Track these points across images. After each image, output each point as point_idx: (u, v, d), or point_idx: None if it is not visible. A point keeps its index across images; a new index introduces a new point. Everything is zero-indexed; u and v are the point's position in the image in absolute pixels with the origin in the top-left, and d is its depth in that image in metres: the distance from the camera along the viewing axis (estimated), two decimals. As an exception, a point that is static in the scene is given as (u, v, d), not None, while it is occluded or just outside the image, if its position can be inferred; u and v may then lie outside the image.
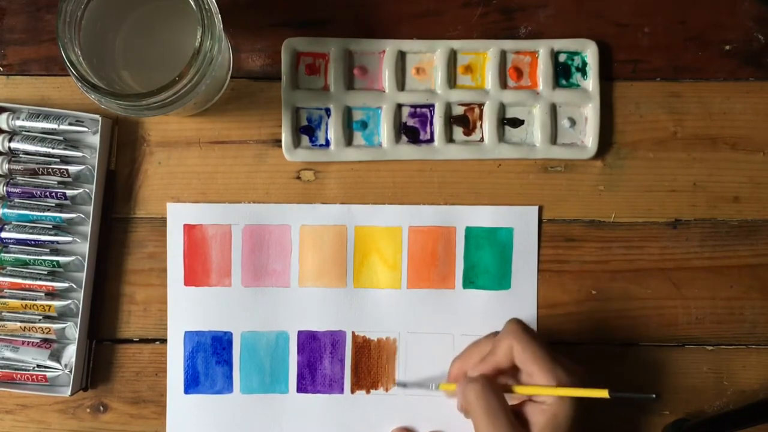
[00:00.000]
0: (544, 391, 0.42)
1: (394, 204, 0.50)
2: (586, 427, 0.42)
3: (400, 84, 0.50)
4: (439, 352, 0.49)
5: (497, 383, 0.43)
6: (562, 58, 0.50)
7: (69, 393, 0.47)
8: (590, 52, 0.49)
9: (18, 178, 0.48)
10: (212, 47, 0.41)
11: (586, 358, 0.50)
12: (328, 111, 0.49)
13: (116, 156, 0.49)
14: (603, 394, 0.40)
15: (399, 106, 0.49)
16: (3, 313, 0.48)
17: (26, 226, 0.48)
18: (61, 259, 0.48)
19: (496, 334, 0.45)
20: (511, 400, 0.44)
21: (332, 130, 0.49)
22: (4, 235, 0.48)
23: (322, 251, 0.50)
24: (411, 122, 0.50)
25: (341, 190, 0.50)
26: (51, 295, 0.48)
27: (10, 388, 0.48)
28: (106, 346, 0.50)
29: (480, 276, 0.50)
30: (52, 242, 0.48)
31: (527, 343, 0.42)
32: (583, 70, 0.50)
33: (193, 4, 0.41)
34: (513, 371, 0.43)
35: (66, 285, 0.48)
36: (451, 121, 0.50)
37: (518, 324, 0.43)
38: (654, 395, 0.40)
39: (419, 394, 0.49)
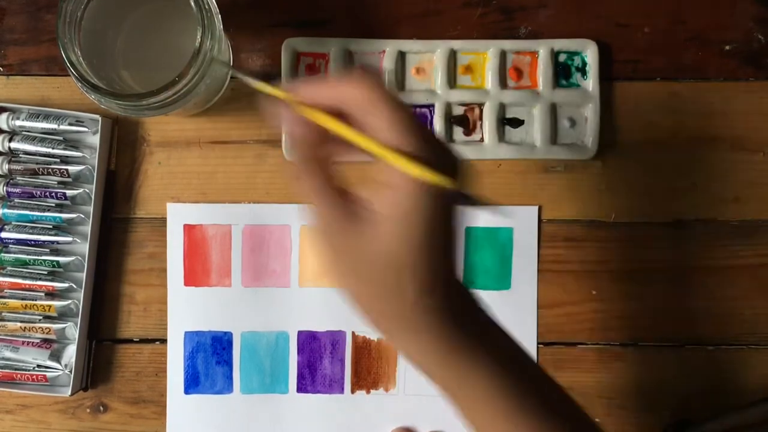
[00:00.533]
0: (382, 151, 0.30)
1: (394, 204, 0.50)
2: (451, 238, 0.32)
3: (400, 84, 0.49)
4: None
5: (324, 144, 0.32)
6: (562, 58, 0.50)
7: (69, 393, 0.47)
8: (590, 52, 0.49)
9: (18, 178, 0.48)
10: (212, 47, 0.41)
11: (586, 358, 0.50)
12: (328, 111, 0.49)
13: (116, 156, 0.49)
14: (446, 182, 0.29)
15: (399, 106, 0.49)
16: (3, 313, 0.48)
17: (26, 226, 0.48)
18: (61, 259, 0.48)
19: None
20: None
21: (332, 130, 0.49)
22: (4, 235, 0.48)
23: (322, 251, 0.49)
24: (411, 122, 0.50)
25: (341, 190, 0.50)
26: (51, 295, 0.48)
27: (10, 388, 0.48)
28: (106, 346, 0.50)
29: (480, 276, 0.50)
30: (52, 242, 0.48)
31: (386, 96, 0.30)
32: (583, 70, 0.50)
33: (193, 4, 0.41)
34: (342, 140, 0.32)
35: (66, 285, 0.48)
36: (451, 121, 0.50)
37: (378, 75, 0.31)
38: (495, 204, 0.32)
39: (422, 394, 0.49)
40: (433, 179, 0.29)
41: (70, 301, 0.48)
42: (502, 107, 0.50)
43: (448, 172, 0.30)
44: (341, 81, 0.31)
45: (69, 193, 0.48)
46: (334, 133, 0.31)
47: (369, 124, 0.31)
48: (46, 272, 0.48)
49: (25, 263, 0.48)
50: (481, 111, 0.50)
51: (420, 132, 0.30)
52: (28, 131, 0.48)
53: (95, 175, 0.48)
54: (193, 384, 0.49)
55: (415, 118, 0.31)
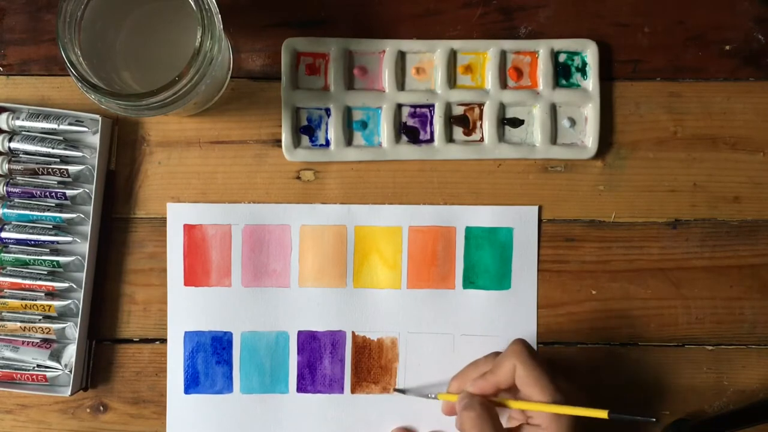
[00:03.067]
0: (539, 407, 0.42)
1: (394, 204, 0.50)
2: None
3: (400, 84, 0.50)
4: (440, 352, 0.49)
5: (493, 407, 0.43)
6: (562, 58, 0.50)
7: (69, 393, 0.47)
8: (590, 52, 0.49)
9: (18, 178, 0.48)
10: (212, 47, 0.41)
11: (586, 358, 0.50)
12: (328, 111, 0.49)
13: (116, 156, 0.49)
14: (602, 414, 0.40)
15: (399, 106, 0.49)
16: (3, 313, 0.48)
17: (26, 226, 0.48)
18: (61, 259, 0.48)
19: (496, 354, 0.45)
20: (510, 422, 0.44)
21: (332, 130, 0.49)
22: (4, 235, 0.48)
23: (322, 251, 0.50)
24: (411, 122, 0.50)
25: (341, 190, 0.50)
26: (51, 295, 0.48)
27: (10, 388, 0.48)
28: (106, 346, 0.50)
29: (480, 276, 0.50)
30: (52, 242, 0.48)
31: (531, 366, 0.42)
32: (583, 70, 0.50)
33: (193, 4, 0.41)
34: (512, 390, 0.43)
35: (66, 285, 0.48)
36: (451, 121, 0.50)
37: (523, 345, 0.43)
38: (654, 419, 0.40)
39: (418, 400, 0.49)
40: (589, 414, 0.40)
41: (70, 301, 0.48)
42: (502, 107, 0.50)
43: (585, 405, 0.41)
44: (495, 372, 0.43)
45: (69, 193, 0.48)
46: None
47: (526, 394, 0.42)
48: (46, 272, 0.48)
49: (25, 263, 0.48)
50: (481, 111, 0.50)
51: (562, 388, 0.42)
52: (28, 131, 0.48)
53: (95, 175, 0.48)
54: (193, 384, 0.49)
55: (553, 375, 0.42)
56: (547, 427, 0.41)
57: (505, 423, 0.44)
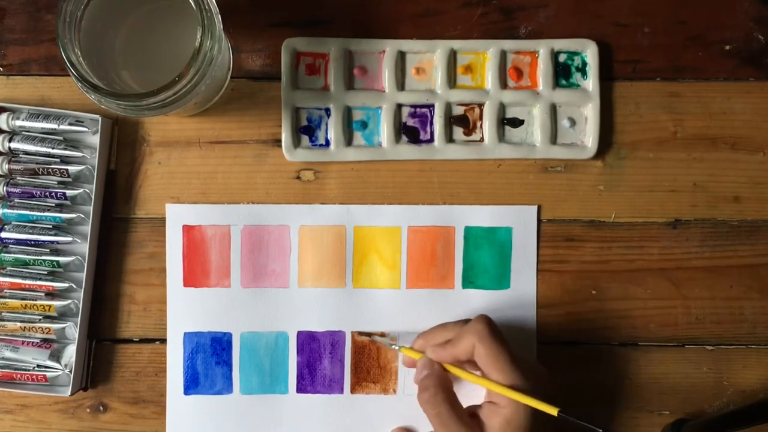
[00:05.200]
0: (492, 387, 0.42)
1: (394, 204, 0.50)
2: None
3: (400, 84, 0.50)
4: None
5: (449, 382, 0.44)
6: (562, 58, 0.50)
7: (69, 393, 0.47)
8: (590, 52, 0.49)
9: (18, 178, 0.48)
10: (212, 47, 0.41)
11: (586, 358, 0.50)
12: (328, 111, 0.49)
13: (116, 156, 0.49)
14: (552, 411, 0.40)
15: (399, 106, 0.49)
16: (3, 313, 0.48)
17: (26, 226, 0.48)
18: (61, 259, 0.48)
19: (467, 321, 0.44)
20: (472, 398, 0.44)
21: (332, 130, 0.49)
22: (4, 235, 0.48)
23: (321, 251, 0.50)
24: (411, 122, 0.50)
25: (341, 190, 0.50)
26: (51, 295, 0.48)
27: (10, 388, 0.48)
28: (106, 346, 0.50)
29: (479, 276, 0.50)
30: (52, 242, 0.48)
31: (490, 346, 0.42)
32: (583, 70, 0.50)
33: (193, 4, 0.41)
34: (473, 362, 0.43)
35: (66, 285, 0.48)
36: (451, 121, 0.50)
37: (486, 324, 0.43)
38: (601, 430, 0.39)
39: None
40: (538, 406, 0.40)
41: (70, 301, 0.48)
42: (502, 107, 0.50)
43: (543, 393, 0.41)
44: (455, 345, 0.43)
45: (69, 193, 0.48)
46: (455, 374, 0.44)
47: (485, 372, 0.42)
48: (46, 272, 0.48)
49: (25, 263, 0.48)
50: (481, 111, 0.50)
51: (522, 370, 0.41)
52: (28, 131, 0.48)
53: (95, 175, 0.48)
54: (192, 385, 0.49)
55: (515, 357, 0.42)
56: (505, 406, 0.41)
57: (470, 396, 0.44)
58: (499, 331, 0.43)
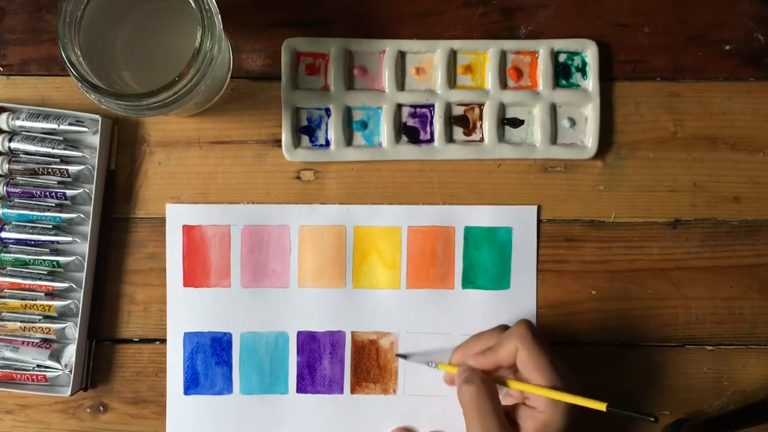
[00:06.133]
0: (537, 391, 0.42)
1: (394, 204, 0.50)
2: None
3: (400, 84, 0.50)
4: (439, 352, 0.49)
5: (492, 383, 0.44)
6: (562, 58, 0.50)
7: (69, 393, 0.48)
8: (590, 52, 0.49)
9: (18, 178, 0.48)
10: (212, 47, 0.41)
11: (586, 358, 0.50)
12: (328, 111, 0.49)
13: (116, 156, 0.49)
14: (600, 406, 0.40)
15: (399, 106, 0.49)
16: (3, 313, 0.48)
17: (26, 226, 0.48)
18: (61, 259, 0.48)
19: (504, 328, 0.45)
20: (506, 399, 0.44)
21: (332, 130, 0.49)
22: (4, 235, 0.48)
23: (321, 251, 0.50)
24: (411, 122, 0.50)
25: (341, 190, 0.50)
26: (51, 295, 0.48)
27: (10, 388, 0.48)
28: (106, 346, 0.50)
29: (479, 276, 0.50)
30: (52, 242, 0.48)
31: (533, 350, 0.42)
32: (583, 70, 0.50)
33: (193, 4, 0.41)
34: (513, 368, 0.44)
35: (66, 285, 0.48)
36: (451, 121, 0.50)
37: (528, 328, 0.43)
38: (653, 418, 0.40)
39: (422, 394, 0.49)
40: (588, 404, 0.41)
41: (70, 301, 0.48)
42: (502, 107, 0.50)
43: (581, 395, 0.41)
44: (497, 350, 0.43)
45: (69, 193, 0.48)
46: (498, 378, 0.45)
47: (526, 376, 0.43)
48: (46, 272, 0.48)
49: (25, 263, 0.48)
50: (481, 111, 0.50)
51: (562, 374, 0.42)
52: (28, 131, 0.48)
53: (95, 175, 0.48)
54: (192, 385, 0.49)
55: (555, 361, 0.42)
56: (544, 410, 0.41)
57: (503, 399, 0.45)
58: (540, 335, 0.43)
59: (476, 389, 0.43)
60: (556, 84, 0.50)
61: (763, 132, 0.50)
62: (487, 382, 0.43)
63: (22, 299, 0.48)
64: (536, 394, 0.42)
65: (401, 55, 0.49)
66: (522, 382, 0.43)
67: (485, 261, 0.50)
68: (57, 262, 0.48)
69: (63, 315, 0.48)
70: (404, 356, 0.49)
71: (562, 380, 0.42)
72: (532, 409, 0.42)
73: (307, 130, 0.49)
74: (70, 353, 0.48)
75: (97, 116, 0.48)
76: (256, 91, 0.50)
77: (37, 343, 0.48)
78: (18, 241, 0.48)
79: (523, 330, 0.43)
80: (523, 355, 0.42)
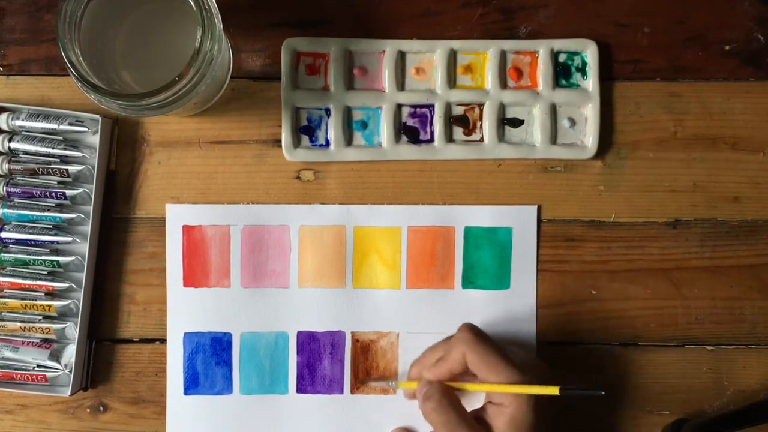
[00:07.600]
0: (491, 388, 0.42)
1: (394, 204, 0.50)
2: (552, 429, 0.43)
3: (400, 84, 0.50)
4: None
5: (452, 392, 0.44)
6: (562, 58, 0.50)
7: (69, 393, 0.48)
8: (590, 52, 0.49)
9: (18, 178, 0.48)
10: (212, 47, 0.41)
11: (586, 358, 0.50)
12: (328, 111, 0.49)
13: (116, 156, 0.49)
14: (553, 390, 0.40)
15: (399, 106, 0.49)
16: (3, 313, 0.48)
17: (26, 226, 0.48)
18: (61, 259, 0.48)
19: (450, 338, 0.45)
20: (473, 403, 0.44)
21: (332, 130, 0.49)
22: (4, 235, 0.48)
23: (321, 252, 0.50)
24: (411, 122, 0.50)
25: (341, 190, 0.50)
26: (51, 295, 0.48)
27: (10, 388, 0.48)
28: (106, 346, 0.50)
29: (479, 276, 0.50)
30: (52, 242, 0.48)
31: (479, 351, 0.42)
32: (583, 70, 0.50)
33: (193, 4, 0.41)
34: (470, 372, 0.44)
35: (66, 285, 0.48)
36: (451, 121, 0.50)
37: (469, 331, 0.43)
38: (602, 392, 0.40)
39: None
40: (540, 392, 0.40)
41: (70, 301, 0.48)
42: (502, 107, 0.50)
43: (546, 381, 0.41)
44: (447, 359, 0.44)
45: (69, 193, 0.48)
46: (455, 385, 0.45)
47: (482, 378, 0.43)
48: (46, 272, 0.48)
49: (25, 263, 0.48)
50: (481, 111, 0.50)
51: (516, 366, 0.42)
52: (28, 131, 0.48)
53: (95, 175, 0.48)
54: (192, 385, 0.49)
55: (507, 356, 0.43)
56: (509, 405, 0.42)
57: (470, 403, 0.44)
58: (485, 335, 0.43)
59: (437, 404, 0.43)
60: (556, 84, 0.50)
61: (763, 132, 0.50)
62: (447, 392, 0.43)
63: (22, 299, 0.48)
64: (499, 395, 0.42)
65: (401, 55, 0.49)
66: (479, 383, 0.43)
67: (485, 261, 0.50)
68: (57, 262, 0.48)
69: (63, 315, 0.48)
70: (365, 382, 0.49)
71: (516, 374, 0.42)
72: (499, 406, 0.42)
73: (307, 130, 0.49)
74: (70, 353, 0.48)
75: (97, 116, 0.48)
76: (256, 91, 0.50)
77: (37, 343, 0.48)
78: (18, 241, 0.48)
79: (466, 334, 0.43)
80: (473, 359, 0.42)
